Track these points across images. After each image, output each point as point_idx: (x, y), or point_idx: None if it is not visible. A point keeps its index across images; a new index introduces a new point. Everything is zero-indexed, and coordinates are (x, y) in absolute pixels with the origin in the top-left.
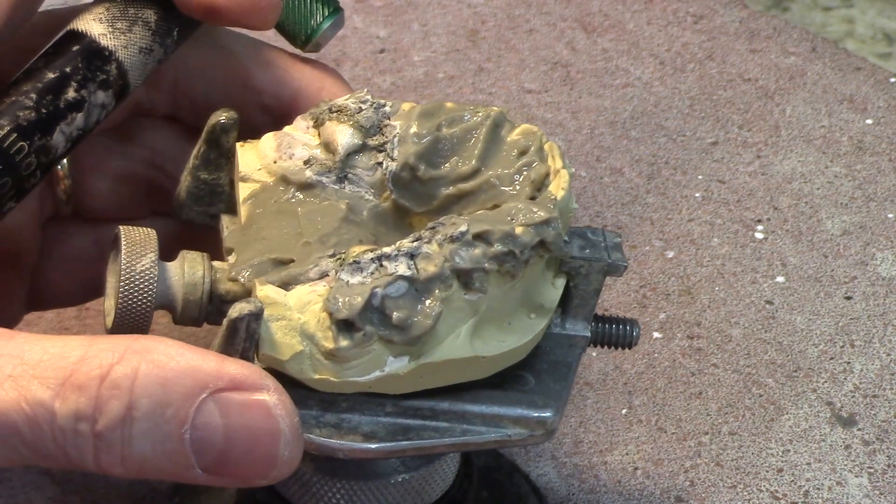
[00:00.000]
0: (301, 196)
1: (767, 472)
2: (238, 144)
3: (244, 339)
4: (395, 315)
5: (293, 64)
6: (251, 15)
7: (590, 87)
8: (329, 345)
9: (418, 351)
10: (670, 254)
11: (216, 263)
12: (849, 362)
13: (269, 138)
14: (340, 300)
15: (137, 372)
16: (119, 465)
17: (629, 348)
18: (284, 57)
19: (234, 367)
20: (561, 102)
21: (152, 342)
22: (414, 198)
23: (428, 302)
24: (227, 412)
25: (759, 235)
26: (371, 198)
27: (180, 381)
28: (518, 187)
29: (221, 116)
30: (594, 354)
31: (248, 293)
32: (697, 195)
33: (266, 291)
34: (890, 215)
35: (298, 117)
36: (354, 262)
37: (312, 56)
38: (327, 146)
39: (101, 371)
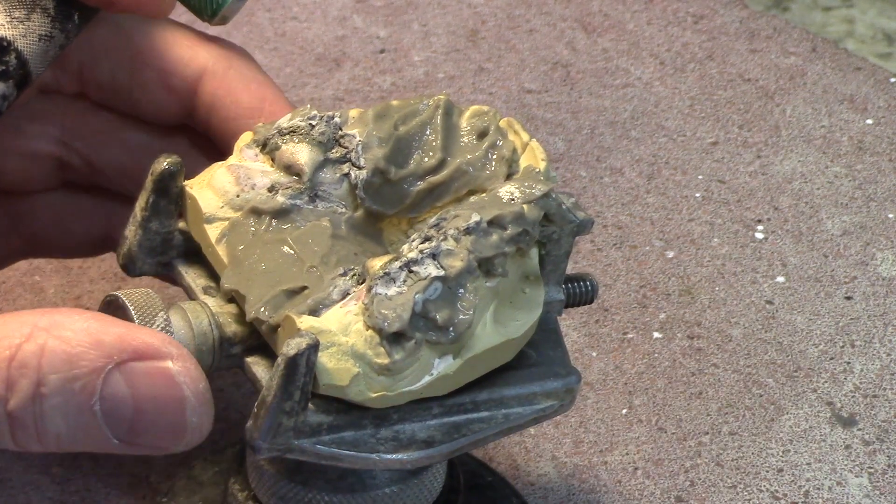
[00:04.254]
0: (277, 223)
1: (767, 472)
2: (185, 185)
3: (304, 374)
4: (438, 317)
5: (198, 42)
6: (145, 4)
7: (590, 87)
8: (383, 360)
9: (459, 347)
10: (670, 254)
11: (214, 308)
12: (849, 362)
13: (223, 174)
14: (389, 314)
15: (44, 349)
16: (35, 441)
17: (590, 304)
18: (189, 35)
19: (139, 336)
20: (561, 102)
21: (60, 316)
22: (385, 201)
23: (463, 296)
24: (132, 382)
25: (760, 235)
26: (344, 210)
27: (86, 354)
28: (493, 168)
29: (164, 163)
30: (594, 354)
31: (254, 332)
32: (697, 195)
33: (308, 322)
34: (890, 215)
35: (243, 146)
36: (385, 273)
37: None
38: (288, 169)
39: (10, 352)
